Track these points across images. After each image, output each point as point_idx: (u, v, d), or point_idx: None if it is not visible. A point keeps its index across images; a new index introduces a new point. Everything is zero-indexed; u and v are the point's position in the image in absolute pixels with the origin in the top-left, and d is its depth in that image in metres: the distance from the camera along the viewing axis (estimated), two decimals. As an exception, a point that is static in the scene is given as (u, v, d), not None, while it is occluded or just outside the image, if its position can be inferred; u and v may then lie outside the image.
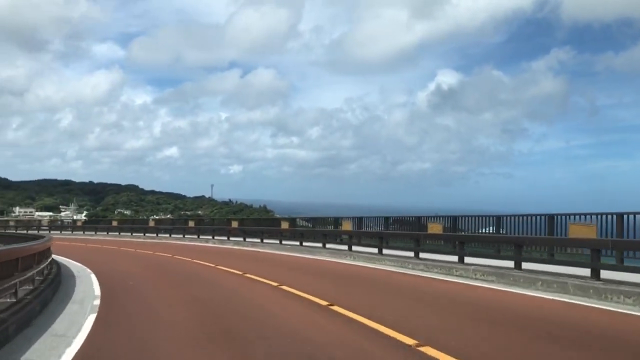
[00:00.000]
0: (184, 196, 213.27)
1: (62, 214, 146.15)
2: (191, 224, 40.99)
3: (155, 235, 39.84)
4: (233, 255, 23.08)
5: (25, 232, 36.55)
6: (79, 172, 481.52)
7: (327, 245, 23.46)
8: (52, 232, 43.56)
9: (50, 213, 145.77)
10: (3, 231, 36.32)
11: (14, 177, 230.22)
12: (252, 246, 28.39)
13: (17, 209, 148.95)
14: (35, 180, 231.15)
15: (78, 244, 31.90)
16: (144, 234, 41.25)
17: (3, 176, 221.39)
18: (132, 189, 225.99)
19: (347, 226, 24.58)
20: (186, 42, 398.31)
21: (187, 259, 20.47)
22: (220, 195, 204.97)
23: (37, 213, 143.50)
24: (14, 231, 38.91)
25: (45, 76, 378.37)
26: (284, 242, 27.41)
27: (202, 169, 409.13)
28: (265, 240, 29.12)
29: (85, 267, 17.00)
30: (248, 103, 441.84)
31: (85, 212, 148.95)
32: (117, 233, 44.00)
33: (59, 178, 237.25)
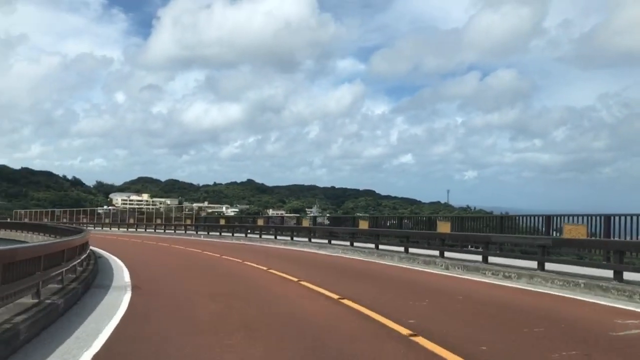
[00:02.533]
0: (419, 201, 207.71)
1: (308, 216, 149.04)
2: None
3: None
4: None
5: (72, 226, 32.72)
6: (322, 178, 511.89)
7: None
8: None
9: (297, 215, 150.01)
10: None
11: (269, 183, 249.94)
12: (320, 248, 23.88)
13: (270, 211, 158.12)
14: (286, 186, 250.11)
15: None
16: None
17: (260, 182, 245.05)
18: (370, 193, 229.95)
19: (444, 228, 19.18)
20: (424, 49, 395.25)
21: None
22: (455, 201, 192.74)
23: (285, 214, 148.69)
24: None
25: (298, 94, 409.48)
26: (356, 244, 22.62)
27: (436, 175, 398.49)
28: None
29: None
30: (486, 106, 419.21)
31: (327, 215, 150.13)
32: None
33: (306, 184, 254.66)
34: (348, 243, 22.78)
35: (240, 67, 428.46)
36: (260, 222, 34.76)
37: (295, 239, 28.01)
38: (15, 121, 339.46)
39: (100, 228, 48.47)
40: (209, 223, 40.56)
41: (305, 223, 31.74)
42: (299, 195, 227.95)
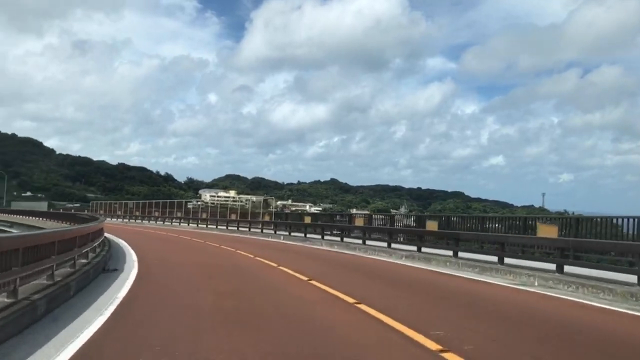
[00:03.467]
0: (511, 205, 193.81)
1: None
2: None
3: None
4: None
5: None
6: (408, 179, 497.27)
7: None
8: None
9: (382, 215, 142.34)
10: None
11: (353, 182, 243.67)
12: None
13: (354, 210, 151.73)
14: (370, 186, 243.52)
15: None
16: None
17: (344, 181, 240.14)
18: (458, 195, 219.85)
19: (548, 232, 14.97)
20: (518, 46, 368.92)
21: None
22: (551, 205, 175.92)
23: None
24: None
25: (385, 93, 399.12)
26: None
27: (529, 178, 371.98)
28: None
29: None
30: (585, 105, 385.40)
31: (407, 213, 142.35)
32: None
33: (390, 184, 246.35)
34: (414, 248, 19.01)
35: (328, 67, 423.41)
36: (358, 221, 26.74)
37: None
38: (117, 121, 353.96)
39: (169, 222, 42.98)
40: (292, 221, 33.33)
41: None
42: (384, 195, 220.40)
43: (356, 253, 20.47)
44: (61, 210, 70.22)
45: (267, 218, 35.63)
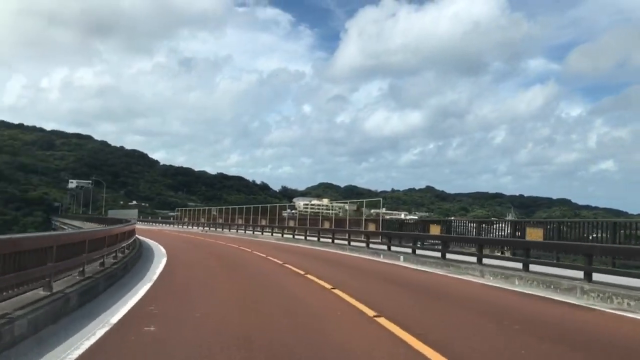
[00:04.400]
0: (626, 212, 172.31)
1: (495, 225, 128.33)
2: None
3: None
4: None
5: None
6: (508, 186, 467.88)
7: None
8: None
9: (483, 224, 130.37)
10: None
11: (450, 190, 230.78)
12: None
13: (452, 219, 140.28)
14: (469, 193, 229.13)
15: None
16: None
17: (440, 189, 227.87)
18: (564, 203, 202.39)
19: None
20: (631, 43, 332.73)
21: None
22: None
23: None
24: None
25: (483, 97, 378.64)
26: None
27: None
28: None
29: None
30: None
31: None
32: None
33: (490, 191, 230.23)
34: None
35: (423, 73, 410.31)
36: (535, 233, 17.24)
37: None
38: (218, 133, 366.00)
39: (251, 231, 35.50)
40: (412, 232, 23.20)
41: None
42: (484, 203, 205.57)
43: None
44: (159, 218, 67.35)
45: (372, 228, 26.67)
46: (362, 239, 24.52)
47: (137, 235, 20.67)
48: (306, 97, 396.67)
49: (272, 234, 34.00)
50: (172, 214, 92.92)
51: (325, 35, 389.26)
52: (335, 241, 26.43)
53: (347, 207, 46.75)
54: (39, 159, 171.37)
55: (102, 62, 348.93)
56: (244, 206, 43.23)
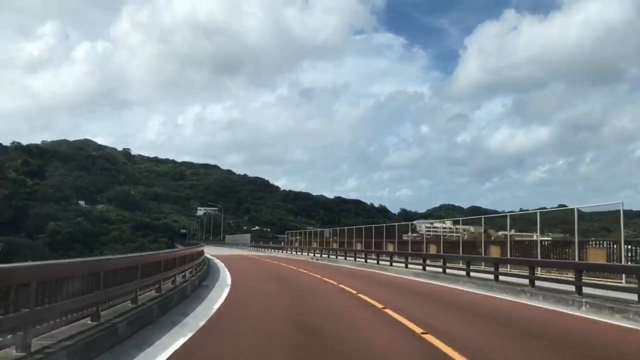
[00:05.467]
0: None
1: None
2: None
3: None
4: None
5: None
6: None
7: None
8: None
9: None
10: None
11: (586, 208, 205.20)
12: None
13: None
14: (609, 212, 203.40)
15: None
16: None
17: (573, 207, 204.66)
18: None
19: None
20: None
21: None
22: None
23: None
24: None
25: (620, 107, 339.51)
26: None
27: None
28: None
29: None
30: None
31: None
32: None
33: (634, 209, 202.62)
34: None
35: (550, 85, 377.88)
36: None
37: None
38: (337, 159, 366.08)
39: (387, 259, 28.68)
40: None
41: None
42: (627, 222, 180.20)
43: None
44: (270, 243, 63.66)
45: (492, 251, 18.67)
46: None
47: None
48: (424, 118, 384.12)
49: (406, 266, 24.74)
50: (282, 236, 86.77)
51: (440, 54, 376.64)
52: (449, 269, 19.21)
53: (472, 229, 38.72)
54: (171, 189, 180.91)
55: (231, 97, 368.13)
56: (363, 226, 36.27)
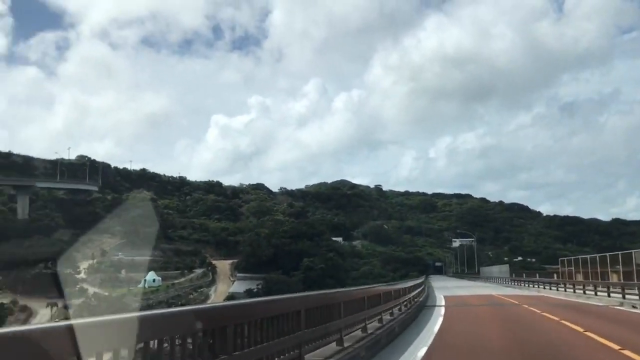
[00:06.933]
0: None
1: None
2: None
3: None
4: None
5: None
6: None
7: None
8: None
9: None
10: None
11: None
12: None
13: None
14: None
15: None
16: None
17: None
18: None
19: None
20: None
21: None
22: None
23: None
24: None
25: None
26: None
27: None
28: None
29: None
30: None
31: None
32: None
33: None
34: None
35: None
36: None
37: None
38: (610, 176, 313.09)
39: None
40: None
41: None
42: None
43: None
44: (537, 276, 48.64)
45: None
46: None
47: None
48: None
49: None
50: (551, 267, 64.68)
51: None
52: None
53: None
54: (423, 222, 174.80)
55: (483, 124, 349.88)
56: None
